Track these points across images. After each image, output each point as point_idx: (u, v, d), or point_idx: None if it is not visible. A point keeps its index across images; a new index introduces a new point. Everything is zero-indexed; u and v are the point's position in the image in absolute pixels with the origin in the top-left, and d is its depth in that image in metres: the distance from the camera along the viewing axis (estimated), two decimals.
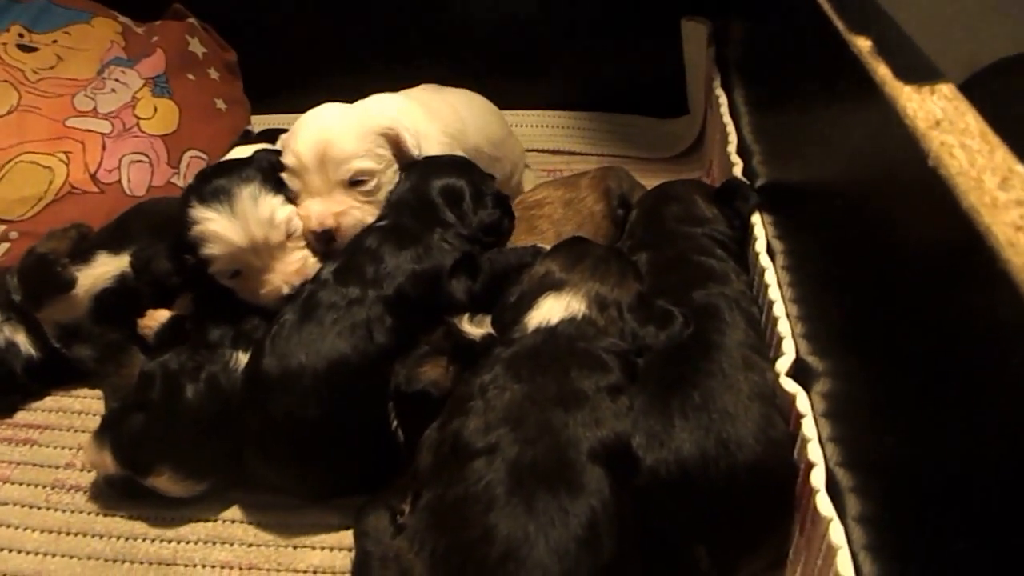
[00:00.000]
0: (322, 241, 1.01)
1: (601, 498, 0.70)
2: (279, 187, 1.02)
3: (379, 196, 1.04)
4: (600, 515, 0.69)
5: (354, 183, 1.02)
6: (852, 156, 0.71)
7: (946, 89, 0.57)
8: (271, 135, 1.24)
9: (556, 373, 0.79)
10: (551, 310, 0.86)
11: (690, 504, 0.75)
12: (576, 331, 0.84)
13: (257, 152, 1.06)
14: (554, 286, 0.88)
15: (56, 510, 0.97)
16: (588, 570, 0.66)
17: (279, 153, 1.05)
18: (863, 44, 0.66)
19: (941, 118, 0.54)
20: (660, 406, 0.78)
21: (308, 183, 1.01)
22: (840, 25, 0.71)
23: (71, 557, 0.91)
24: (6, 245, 1.21)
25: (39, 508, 0.98)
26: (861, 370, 0.70)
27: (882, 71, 0.61)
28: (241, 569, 0.89)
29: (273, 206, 0.99)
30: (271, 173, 1.02)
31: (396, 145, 1.05)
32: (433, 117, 1.16)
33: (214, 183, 0.99)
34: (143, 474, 0.93)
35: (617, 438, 0.76)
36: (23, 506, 0.98)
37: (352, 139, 1.01)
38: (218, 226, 0.96)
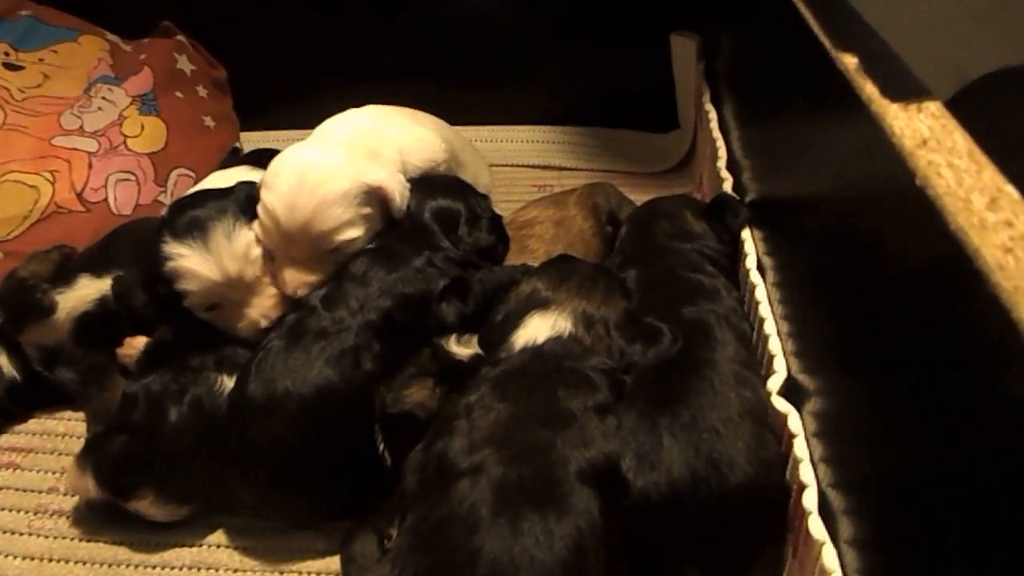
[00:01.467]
0: (293, 302, 0.97)
1: (589, 519, 0.69)
2: (255, 220, 0.99)
3: (358, 247, 0.98)
4: (587, 536, 0.68)
5: (333, 250, 0.97)
6: (840, 173, 0.70)
7: (933, 107, 0.56)
8: (259, 156, 1.23)
9: (543, 392, 0.78)
10: (537, 329, 0.86)
11: (681, 525, 0.74)
12: (563, 349, 0.84)
13: (238, 184, 1.04)
14: (540, 304, 0.87)
15: (39, 536, 0.96)
16: None
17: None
18: (849, 61, 0.65)
19: (928, 137, 0.53)
20: (649, 425, 0.77)
21: (284, 249, 0.96)
22: (826, 42, 0.70)
23: None
24: None
25: (21, 534, 0.96)
26: (852, 389, 0.69)
27: (869, 89, 0.60)
28: None
29: (248, 240, 0.96)
30: (248, 206, 0.98)
31: (383, 202, 1.00)
32: (427, 136, 1.14)
33: (188, 216, 0.97)
34: (125, 498, 0.92)
35: (606, 459, 0.75)
36: (5, 532, 0.96)
37: (338, 208, 0.94)
38: (191, 262, 0.94)
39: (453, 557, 0.67)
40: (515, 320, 0.87)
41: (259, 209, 0.97)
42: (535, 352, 0.84)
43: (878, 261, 0.62)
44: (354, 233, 0.97)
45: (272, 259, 0.98)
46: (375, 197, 0.98)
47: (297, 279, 0.96)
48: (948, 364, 0.49)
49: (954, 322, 0.48)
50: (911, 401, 0.56)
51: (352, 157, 0.99)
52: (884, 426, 0.62)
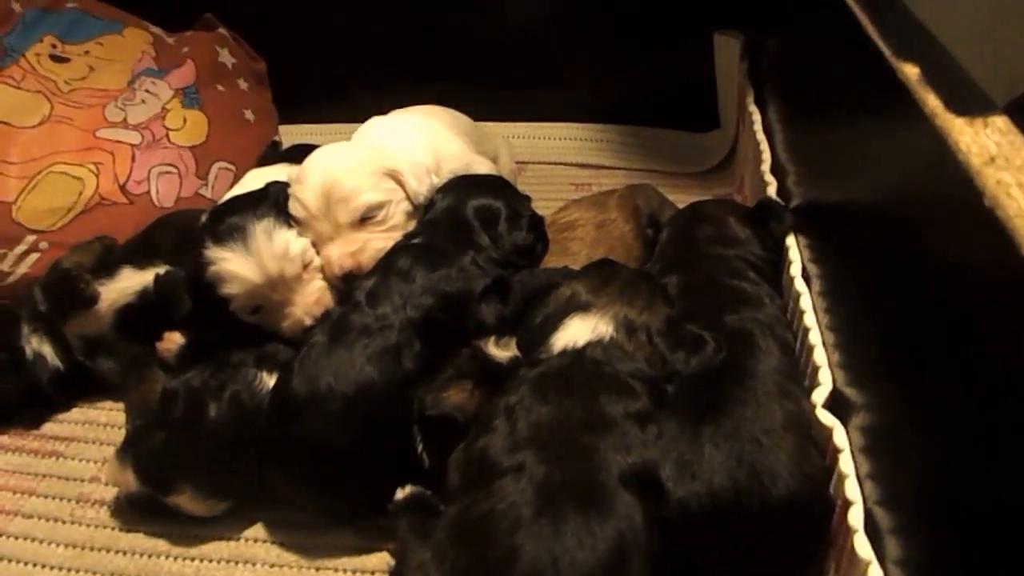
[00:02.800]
0: (346, 281, 0.99)
1: (631, 524, 0.69)
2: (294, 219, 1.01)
3: (395, 222, 1.03)
4: (629, 540, 0.68)
5: (365, 219, 1.01)
6: (898, 184, 0.69)
7: (1000, 122, 0.55)
8: (297, 153, 1.24)
9: (583, 397, 0.78)
10: (578, 332, 0.85)
11: (721, 537, 0.73)
12: (603, 355, 0.83)
13: (270, 184, 1.06)
14: (581, 308, 0.87)
15: (81, 524, 0.97)
16: None
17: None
18: (911, 71, 0.64)
19: (996, 154, 0.51)
20: (690, 434, 0.76)
21: (320, 230, 1.00)
22: (886, 50, 0.69)
23: (94, 573, 0.91)
24: (36, 255, 1.22)
25: (64, 522, 0.97)
26: (902, 404, 0.67)
27: (932, 102, 0.59)
28: None
29: (287, 239, 0.98)
30: (284, 206, 1.01)
31: (400, 184, 1.04)
32: (451, 131, 1.16)
33: (227, 221, 0.99)
34: (165, 492, 0.92)
35: (645, 466, 0.74)
36: (48, 520, 0.98)
37: (355, 176, 1.00)
38: (233, 265, 0.96)
39: (493, 553, 0.67)
40: (554, 322, 0.87)
41: (290, 203, 1.00)
42: (575, 355, 0.83)
43: (936, 274, 0.60)
44: (376, 197, 1.00)
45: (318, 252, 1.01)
46: (394, 177, 1.03)
47: (339, 253, 0.99)
48: (1005, 385, 0.48)
49: (1015, 341, 0.47)
50: (963, 419, 0.55)
51: (373, 151, 1.06)
52: (934, 443, 0.60)
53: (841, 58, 0.87)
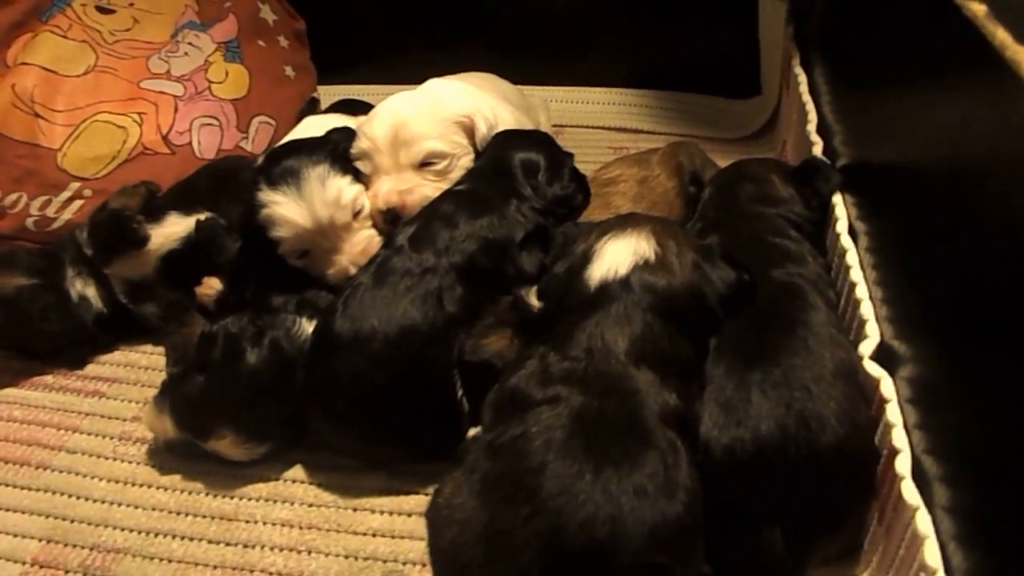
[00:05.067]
0: (387, 221, 1.01)
1: (675, 457, 0.67)
2: (348, 167, 1.02)
3: (451, 176, 1.04)
4: (671, 472, 0.66)
5: (425, 164, 1.02)
6: (959, 132, 0.67)
7: None
8: (351, 105, 1.24)
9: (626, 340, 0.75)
10: (617, 257, 0.78)
11: (766, 484, 0.72)
12: (650, 278, 0.77)
13: (331, 132, 1.06)
14: (614, 230, 0.81)
15: (123, 461, 0.99)
16: (646, 525, 0.63)
17: (353, 133, 1.05)
18: (977, 8, 0.62)
19: None
20: (737, 381, 0.76)
21: (379, 163, 1.02)
22: None
23: (136, 507, 0.93)
24: (79, 202, 1.24)
25: (106, 458, 0.99)
26: (950, 356, 0.66)
27: (1001, 35, 0.57)
28: (301, 528, 0.89)
29: (340, 187, 0.99)
30: (341, 153, 1.02)
31: (470, 134, 1.06)
32: (502, 100, 1.16)
33: (283, 164, 0.99)
34: (204, 437, 0.93)
35: (687, 412, 0.74)
36: (91, 455, 1.00)
37: (426, 122, 1.02)
38: (285, 209, 0.97)
39: (524, 465, 0.66)
40: (587, 253, 0.81)
41: (358, 139, 1.02)
42: (620, 286, 0.77)
43: (994, 224, 0.59)
44: (440, 146, 1.02)
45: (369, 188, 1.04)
46: (464, 128, 1.05)
47: (388, 188, 1.01)
48: None
49: None
50: (1013, 368, 0.54)
51: (446, 101, 1.07)
52: (980, 395, 0.60)
53: (899, 7, 0.85)
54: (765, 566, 0.73)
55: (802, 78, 1.24)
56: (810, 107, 1.16)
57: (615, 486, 0.63)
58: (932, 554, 0.61)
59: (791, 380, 0.73)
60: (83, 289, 1.13)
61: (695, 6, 1.53)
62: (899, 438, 0.70)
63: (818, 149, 1.08)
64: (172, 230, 1.11)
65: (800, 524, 0.72)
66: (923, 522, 0.63)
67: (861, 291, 0.85)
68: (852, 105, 1.05)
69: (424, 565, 0.82)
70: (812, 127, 1.12)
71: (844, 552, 0.77)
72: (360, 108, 1.19)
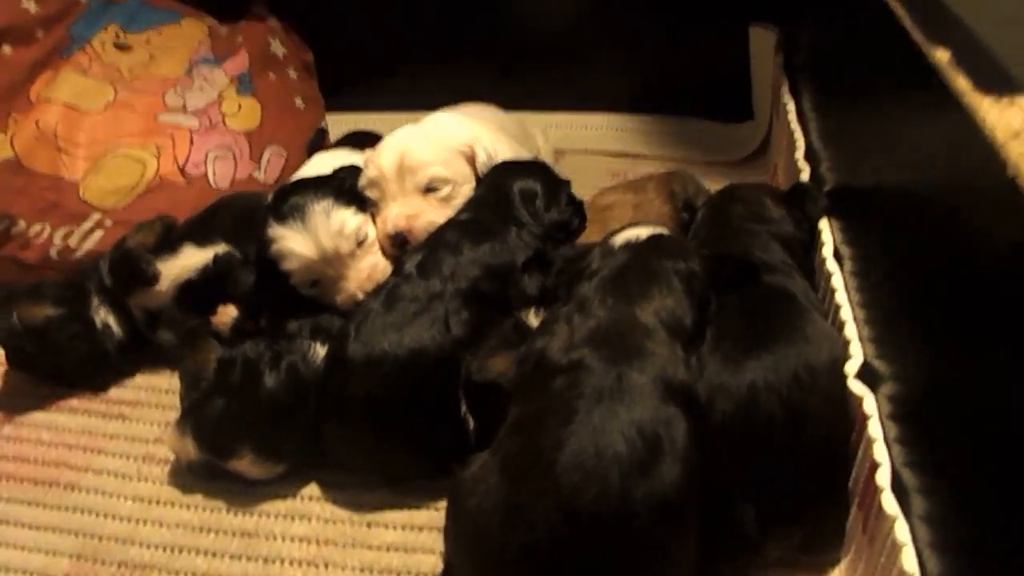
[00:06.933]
0: (396, 245, 1.07)
1: (685, 430, 0.74)
2: (353, 200, 1.08)
3: (454, 203, 1.09)
4: (676, 445, 0.72)
5: (429, 190, 1.09)
6: (927, 163, 0.72)
7: None
8: (357, 139, 1.30)
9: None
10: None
11: (750, 462, 0.79)
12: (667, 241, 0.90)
13: (337, 170, 1.13)
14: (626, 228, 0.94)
15: (147, 481, 1.04)
16: (645, 492, 0.70)
17: (358, 170, 1.11)
18: (942, 55, 0.67)
19: (1020, 129, 0.55)
20: (733, 366, 0.81)
21: (387, 190, 1.09)
22: (919, 36, 0.72)
23: (161, 525, 0.98)
24: (100, 232, 1.29)
25: (131, 478, 1.05)
26: (929, 375, 0.71)
27: (961, 82, 0.62)
28: (318, 543, 0.94)
29: (343, 217, 1.06)
30: (347, 188, 1.09)
31: (471, 162, 1.12)
32: (500, 131, 1.23)
33: (290, 201, 1.06)
34: (225, 458, 0.97)
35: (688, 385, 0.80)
36: (117, 476, 1.05)
37: (429, 150, 1.10)
38: (293, 243, 1.04)
39: (542, 442, 0.72)
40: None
41: (366, 168, 1.10)
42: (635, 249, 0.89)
43: (964, 249, 0.64)
44: (443, 172, 1.09)
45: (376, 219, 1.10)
46: (465, 156, 1.12)
47: (398, 213, 1.07)
48: None
49: None
50: (991, 387, 0.58)
51: (449, 130, 1.15)
52: (959, 410, 0.64)
53: (874, 46, 0.91)
54: (735, 538, 0.79)
55: (791, 105, 1.29)
56: (798, 134, 1.21)
57: (623, 465, 0.70)
58: (909, 561, 0.66)
59: (782, 368, 0.80)
60: (106, 318, 1.18)
61: (690, 32, 1.57)
62: (880, 452, 0.75)
63: (805, 175, 1.13)
64: (187, 262, 1.16)
65: (773, 508, 0.78)
66: (901, 531, 0.68)
67: (845, 313, 0.90)
68: (835, 132, 1.10)
69: None
70: (800, 154, 1.17)
71: (802, 546, 0.83)
72: (368, 141, 1.25)
